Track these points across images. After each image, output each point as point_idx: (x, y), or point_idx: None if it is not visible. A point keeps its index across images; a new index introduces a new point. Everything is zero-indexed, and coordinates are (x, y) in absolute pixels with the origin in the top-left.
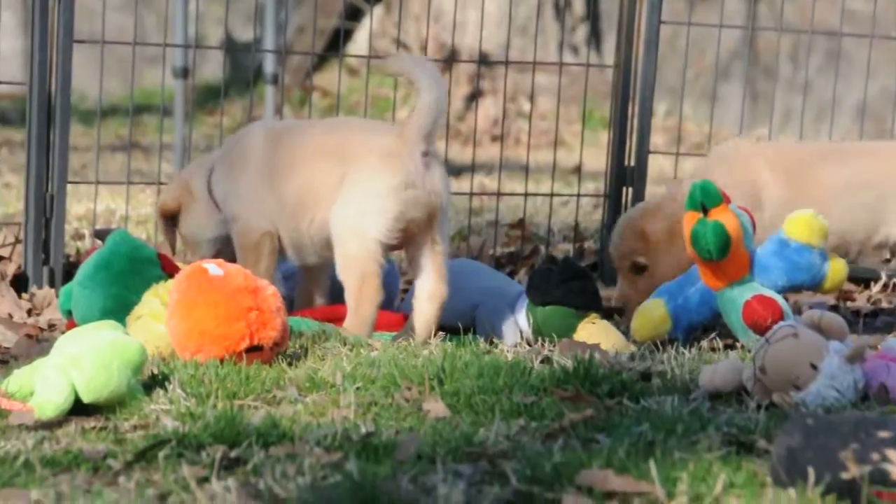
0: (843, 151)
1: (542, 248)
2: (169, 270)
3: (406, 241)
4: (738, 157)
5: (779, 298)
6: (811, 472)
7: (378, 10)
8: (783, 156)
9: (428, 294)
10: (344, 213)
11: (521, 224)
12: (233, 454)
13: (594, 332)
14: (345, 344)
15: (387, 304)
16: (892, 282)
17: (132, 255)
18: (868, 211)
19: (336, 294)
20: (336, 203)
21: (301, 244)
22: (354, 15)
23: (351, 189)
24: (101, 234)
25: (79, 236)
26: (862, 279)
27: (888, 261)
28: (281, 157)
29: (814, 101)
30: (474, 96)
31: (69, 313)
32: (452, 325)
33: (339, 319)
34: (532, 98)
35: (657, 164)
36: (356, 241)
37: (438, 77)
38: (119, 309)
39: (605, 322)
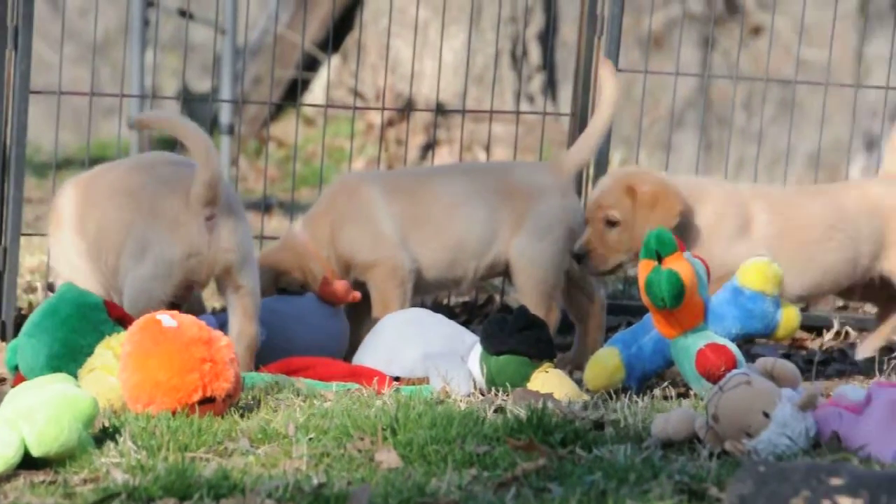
0: (450, 170)
1: (497, 298)
2: (115, 315)
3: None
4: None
5: (732, 346)
6: None
7: (335, 60)
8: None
9: (236, 334)
10: (136, 273)
11: None
12: None
13: (548, 381)
14: (298, 394)
15: None
16: (844, 329)
17: (78, 301)
18: (482, 226)
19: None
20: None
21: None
22: (311, 65)
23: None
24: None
25: (31, 289)
26: (814, 327)
27: (842, 308)
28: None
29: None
30: (430, 146)
31: (16, 368)
32: (406, 376)
33: (297, 371)
34: (488, 147)
35: None
36: (144, 302)
37: (210, 145)
38: (66, 354)
39: (558, 371)
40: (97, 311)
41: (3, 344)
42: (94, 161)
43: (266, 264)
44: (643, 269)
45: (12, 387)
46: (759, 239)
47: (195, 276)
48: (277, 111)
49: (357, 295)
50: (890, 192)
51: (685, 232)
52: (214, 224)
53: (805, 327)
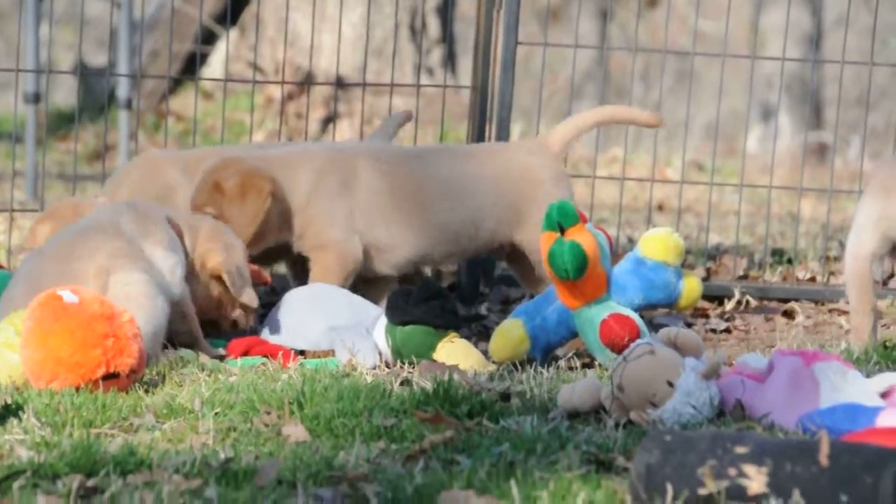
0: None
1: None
2: None
3: None
4: (151, 163)
5: (635, 316)
6: (670, 488)
7: (233, 34)
8: (195, 162)
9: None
10: None
11: None
12: (90, 483)
13: (453, 351)
14: (203, 370)
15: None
16: (745, 298)
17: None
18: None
19: None
20: None
21: None
22: (209, 39)
23: None
24: None
25: None
26: (716, 297)
27: (743, 277)
28: None
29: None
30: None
31: None
32: (311, 349)
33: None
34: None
35: None
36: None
37: None
38: None
39: (464, 341)
40: None
41: None
42: None
43: None
44: (545, 241)
45: None
46: (363, 197)
47: None
48: (176, 85)
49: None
50: (541, 163)
51: (287, 203)
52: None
53: (707, 297)
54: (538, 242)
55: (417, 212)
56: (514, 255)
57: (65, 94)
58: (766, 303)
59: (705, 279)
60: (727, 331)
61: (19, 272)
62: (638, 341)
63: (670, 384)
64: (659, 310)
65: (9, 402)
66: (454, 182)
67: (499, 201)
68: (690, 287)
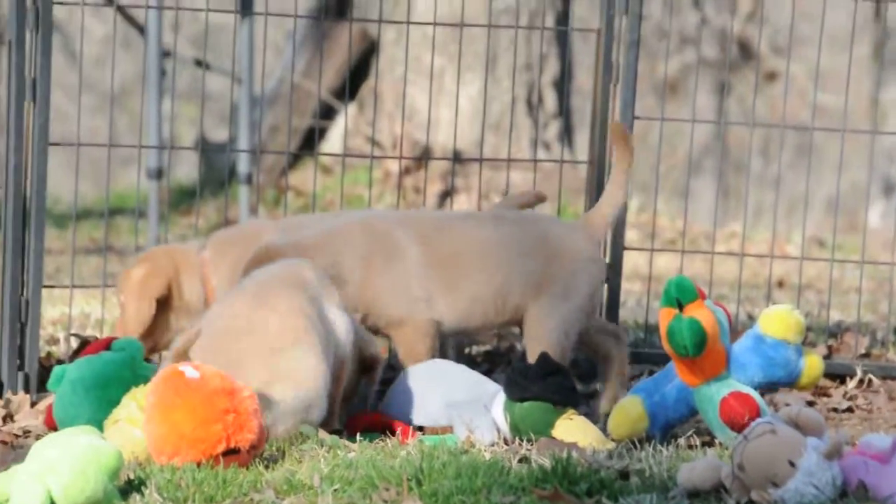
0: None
1: (518, 346)
2: None
3: None
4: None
5: (755, 395)
6: None
7: (351, 109)
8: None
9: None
10: None
11: None
12: None
13: (572, 428)
14: (322, 445)
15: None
16: (867, 377)
17: (133, 383)
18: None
19: None
20: None
21: None
22: (328, 114)
23: None
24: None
25: (53, 341)
26: (837, 375)
27: (865, 356)
28: None
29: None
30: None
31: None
32: (430, 424)
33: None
34: (506, 195)
35: (631, 260)
36: None
37: None
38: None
39: (582, 419)
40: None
41: (27, 396)
42: (114, 211)
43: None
44: (664, 318)
45: (40, 437)
46: (410, 266)
47: None
48: (295, 160)
49: None
50: (578, 241)
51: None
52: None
53: (828, 375)
54: (537, 315)
55: (454, 282)
56: None
57: (187, 169)
58: (889, 382)
59: (826, 357)
60: (849, 410)
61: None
62: (759, 420)
63: (792, 464)
64: (780, 388)
65: (132, 477)
66: (490, 250)
67: (526, 272)
68: (812, 365)
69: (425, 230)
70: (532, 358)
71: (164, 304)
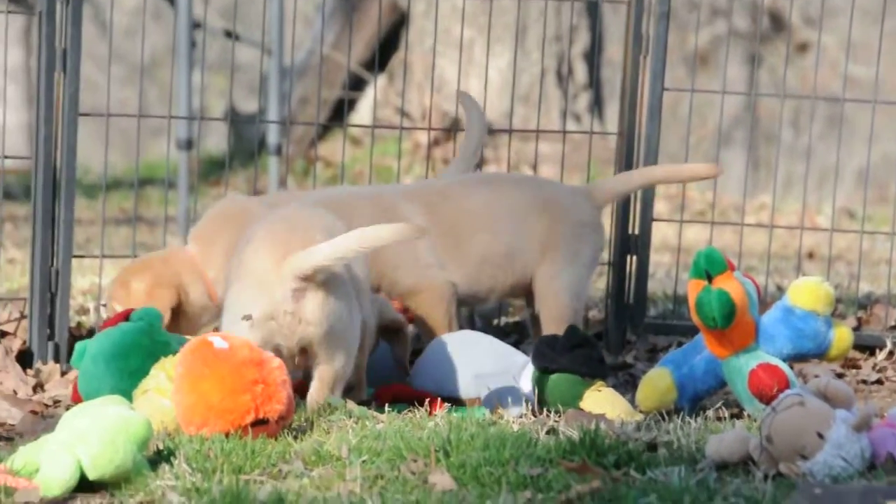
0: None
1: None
2: None
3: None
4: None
5: (784, 367)
6: None
7: (381, 80)
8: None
9: (311, 395)
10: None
11: None
12: None
13: (600, 400)
14: (350, 416)
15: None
16: None
17: (152, 351)
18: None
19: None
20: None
21: None
22: (357, 85)
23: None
24: None
25: (83, 311)
26: (867, 347)
27: (894, 328)
28: None
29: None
30: (477, 165)
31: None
32: (457, 395)
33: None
34: (535, 166)
35: (660, 232)
36: None
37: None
38: (129, 389)
39: (611, 390)
40: (166, 349)
41: (57, 366)
42: (143, 182)
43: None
44: (693, 289)
45: (69, 407)
46: None
47: (276, 339)
48: (324, 131)
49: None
50: (579, 205)
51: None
52: (301, 294)
53: (857, 347)
54: (548, 278)
55: (458, 245)
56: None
57: (216, 140)
58: None
59: (856, 329)
60: (878, 382)
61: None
62: (787, 392)
63: (820, 436)
64: (809, 360)
65: (160, 447)
66: (493, 212)
67: (530, 232)
68: (841, 337)
69: (429, 199)
70: (545, 321)
71: (173, 312)
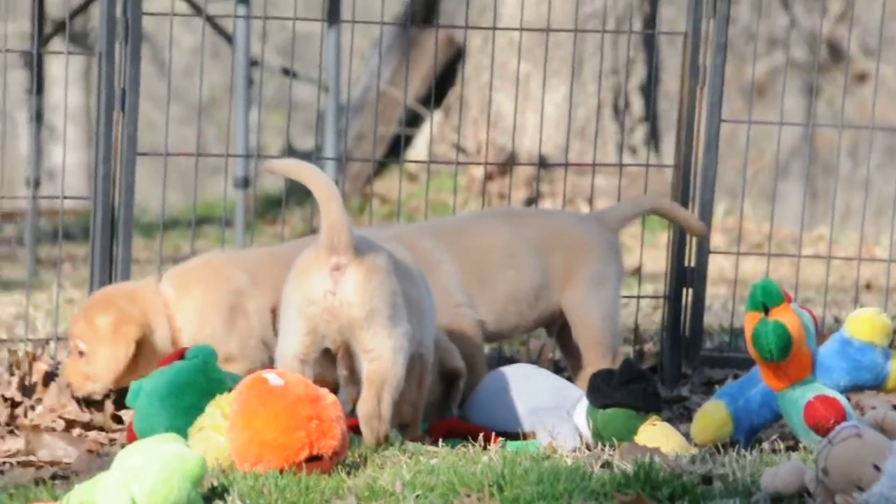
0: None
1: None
2: None
3: (337, 350)
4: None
5: (841, 398)
6: None
7: (437, 116)
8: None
9: (359, 404)
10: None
11: None
12: None
13: (655, 434)
14: (404, 452)
15: None
16: None
17: (206, 389)
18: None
19: None
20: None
21: None
22: (414, 121)
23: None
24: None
25: None
26: None
27: None
28: None
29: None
30: (533, 199)
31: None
32: (512, 430)
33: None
34: (591, 200)
35: (717, 265)
36: (281, 358)
37: (332, 191)
38: (184, 427)
39: (665, 424)
40: (220, 386)
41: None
42: (201, 221)
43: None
44: (749, 322)
45: (125, 441)
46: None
47: (320, 327)
48: (380, 168)
49: None
50: (592, 231)
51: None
52: (342, 274)
53: None
54: (579, 305)
55: (484, 283)
56: (562, 326)
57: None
58: None
59: None
60: None
61: None
62: (844, 424)
63: (877, 468)
64: (866, 392)
65: (215, 484)
66: (512, 247)
67: (550, 264)
68: None
69: (447, 236)
70: (584, 348)
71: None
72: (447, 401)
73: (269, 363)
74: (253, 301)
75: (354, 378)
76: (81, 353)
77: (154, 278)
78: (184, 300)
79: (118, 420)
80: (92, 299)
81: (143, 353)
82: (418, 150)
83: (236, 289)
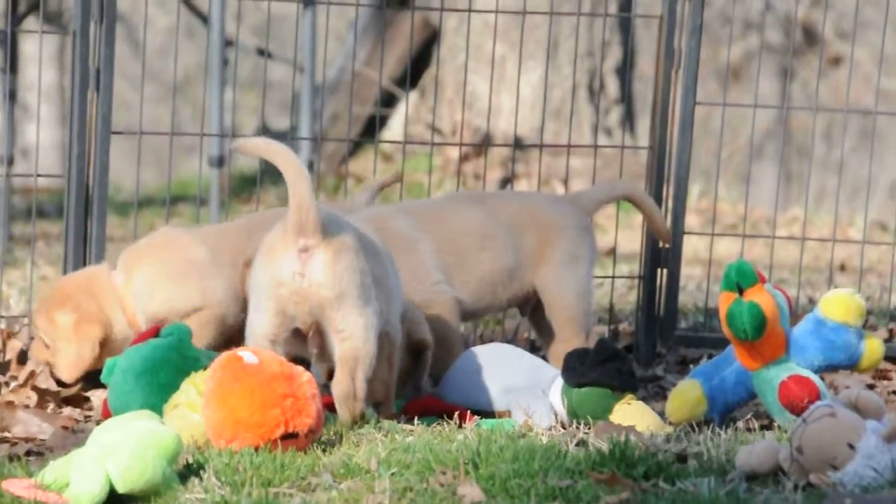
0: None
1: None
2: None
3: (308, 330)
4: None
5: (815, 378)
6: None
7: (412, 97)
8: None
9: (333, 384)
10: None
11: None
12: None
13: (630, 413)
14: (380, 429)
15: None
16: None
17: (181, 366)
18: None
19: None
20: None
21: None
22: (389, 102)
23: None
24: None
25: None
26: None
27: None
28: None
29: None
30: (508, 180)
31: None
32: (488, 409)
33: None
34: (566, 181)
35: (691, 245)
36: (251, 338)
37: (300, 171)
38: (159, 404)
39: (640, 403)
40: (195, 364)
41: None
42: (175, 199)
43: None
44: (724, 302)
45: (100, 418)
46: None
47: (289, 309)
48: (356, 148)
49: None
50: (565, 212)
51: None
52: (310, 255)
53: (889, 358)
54: (552, 282)
55: (460, 264)
56: (535, 307)
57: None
58: None
59: (887, 340)
60: None
61: None
62: (818, 403)
63: (851, 447)
64: (840, 372)
65: (190, 461)
66: (486, 229)
67: (523, 244)
68: (872, 348)
69: (423, 218)
70: (557, 325)
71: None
72: (416, 372)
73: (243, 313)
74: (212, 270)
75: (325, 356)
76: (47, 346)
77: (106, 265)
78: (131, 281)
79: (86, 400)
80: (51, 293)
81: (105, 348)
82: (394, 130)
83: (188, 257)
